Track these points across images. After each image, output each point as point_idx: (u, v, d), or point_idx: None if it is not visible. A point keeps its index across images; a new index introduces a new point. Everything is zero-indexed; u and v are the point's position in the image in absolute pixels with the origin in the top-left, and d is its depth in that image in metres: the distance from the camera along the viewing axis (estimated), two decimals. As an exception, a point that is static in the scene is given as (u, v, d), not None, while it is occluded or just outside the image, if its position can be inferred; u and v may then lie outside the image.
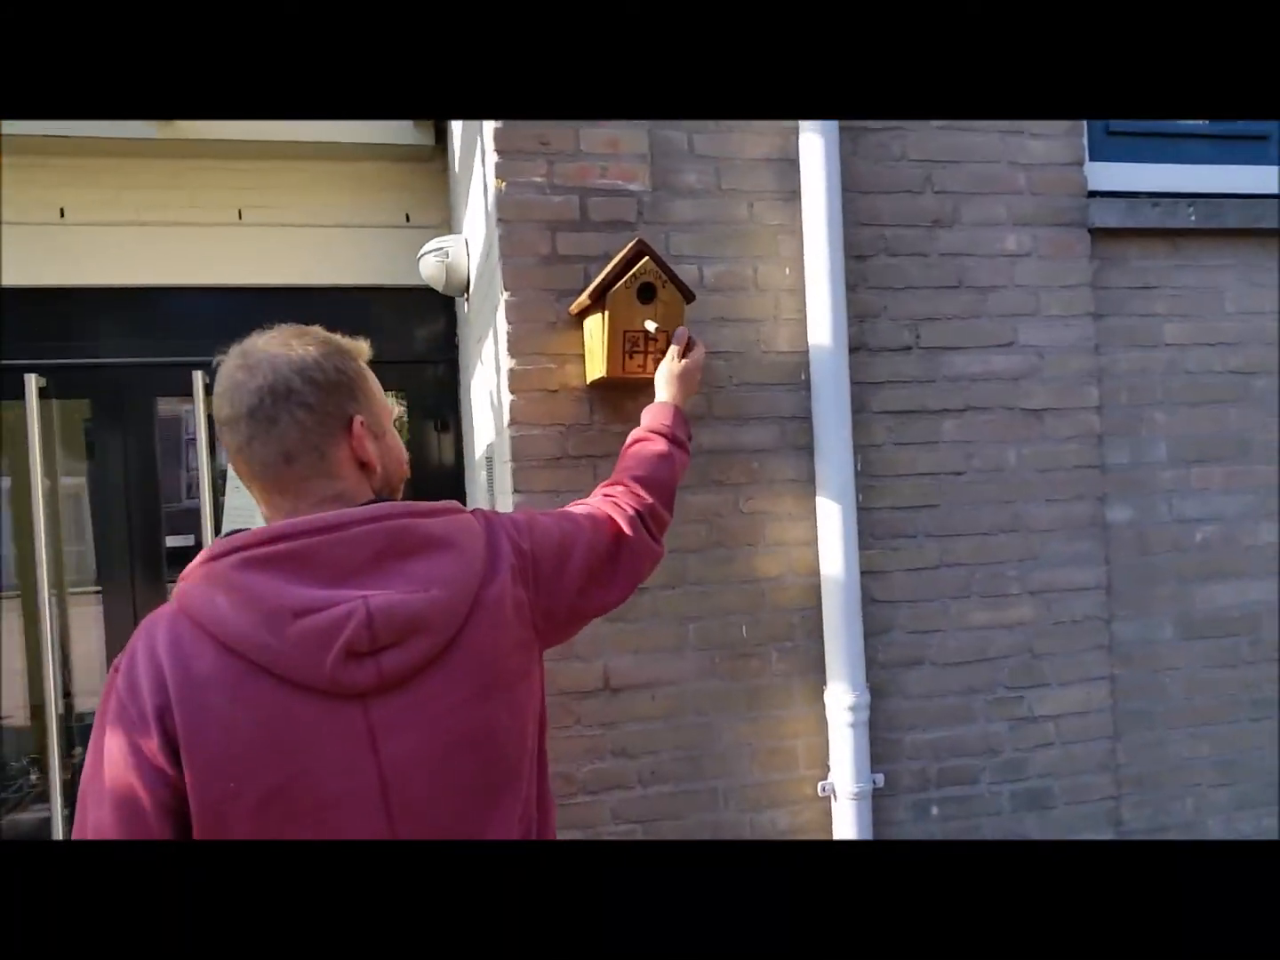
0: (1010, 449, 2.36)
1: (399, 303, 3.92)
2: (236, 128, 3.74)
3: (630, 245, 1.94)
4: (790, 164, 2.22)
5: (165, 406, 4.05)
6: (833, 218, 2.16)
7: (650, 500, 1.50)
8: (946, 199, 2.34)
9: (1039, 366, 2.37)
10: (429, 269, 3.04)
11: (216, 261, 3.89)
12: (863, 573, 2.26)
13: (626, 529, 1.41)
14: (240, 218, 3.95)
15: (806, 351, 2.22)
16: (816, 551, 2.22)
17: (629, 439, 1.71)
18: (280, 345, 1.13)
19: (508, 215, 2.12)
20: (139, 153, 3.77)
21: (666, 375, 1.84)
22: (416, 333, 4.00)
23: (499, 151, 2.11)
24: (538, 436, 2.12)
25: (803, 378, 2.23)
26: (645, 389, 2.10)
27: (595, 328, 2.01)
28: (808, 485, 2.23)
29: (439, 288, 3.07)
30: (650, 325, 1.93)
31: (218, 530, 3.98)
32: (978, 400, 2.34)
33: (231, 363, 1.13)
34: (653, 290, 1.95)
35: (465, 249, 2.94)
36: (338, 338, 1.20)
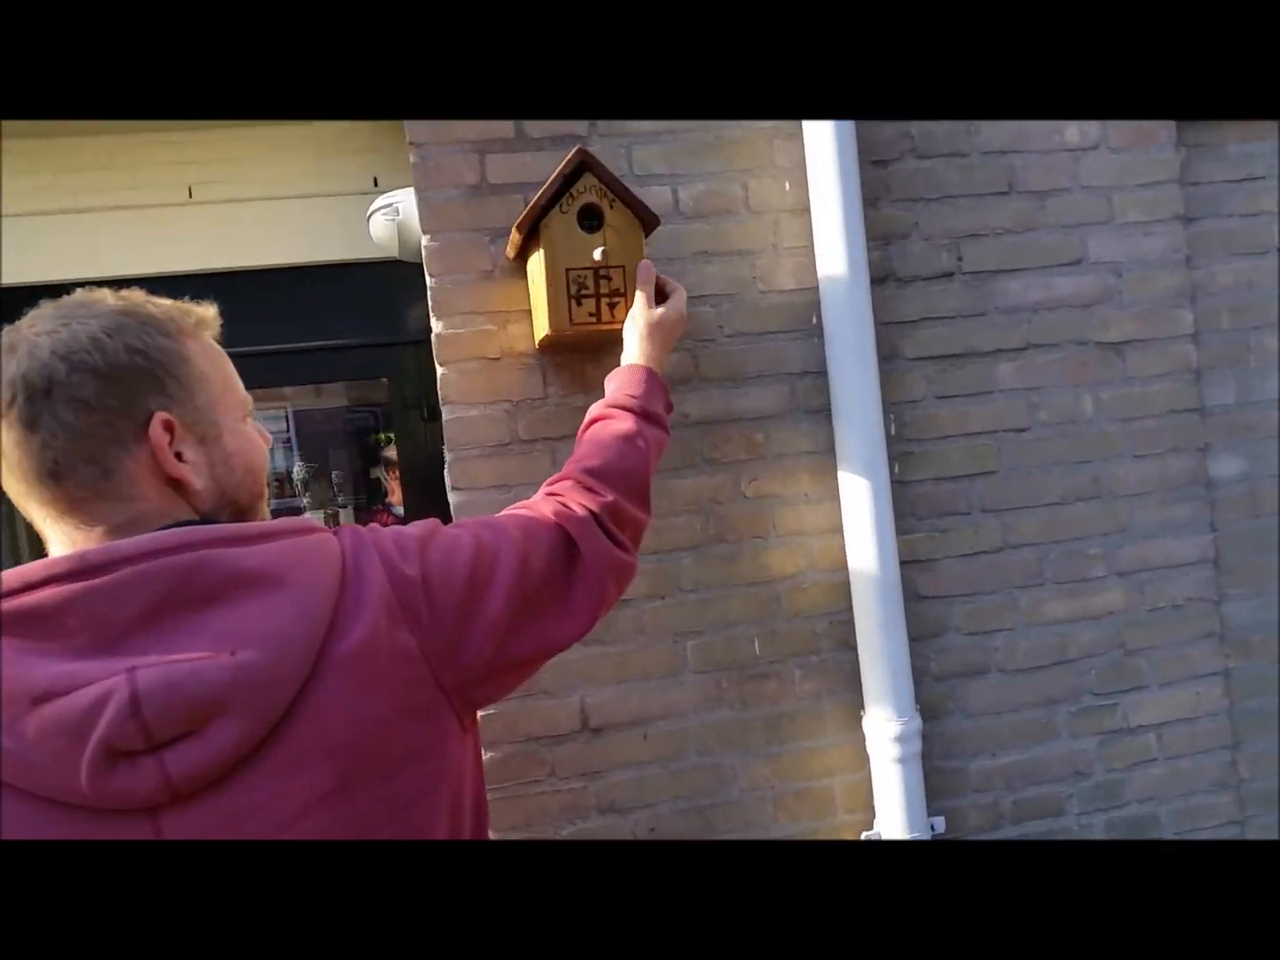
0: (1085, 394, 1.86)
1: (372, 278, 3.48)
2: (177, 93, 3.33)
3: (567, 158, 1.48)
4: (782, 50, 1.73)
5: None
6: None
7: (610, 496, 1.13)
8: (986, 82, 1.83)
9: (1116, 288, 1.87)
10: (378, 230, 2.59)
11: (165, 246, 3.49)
12: (903, 563, 1.78)
13: (576, 535, 1.06)
14: (190, 196, 3.55)
15: (817, 288, 1.74)
16: (843, 541, 1.75)
17: (586, 417, 1.30)
18: (53, 319, 0.84)
19: (420, 137, 1.66)
20: (72, 130, 3.37)
21: (635, 327, 1.41)
22: (395, 311, 3.58)
23: (406, 58, 1.65)
24: (477, 418, 1.67)
25: (814, 321, 1.76)
26: (613, 347, 1.66)
27: (535, 271, 1.56)
28: (827, 457, 1.76)
29: (394, 252, 2.63)
30: (597, 253, 1.47)
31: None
32: (1040, 335, 1.84)
33: None
34: (598, 213, 1.49)
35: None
36: (149, 304, 0.89)
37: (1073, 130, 1.85)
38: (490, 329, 1.67)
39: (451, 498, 1.67)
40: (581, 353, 1.69)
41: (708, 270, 1.74)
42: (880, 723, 1.70)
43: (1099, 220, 1.85)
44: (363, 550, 0.88)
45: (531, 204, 1.49)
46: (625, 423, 1.25)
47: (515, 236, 1.55)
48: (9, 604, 0.75)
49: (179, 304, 0.92)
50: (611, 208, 1.49)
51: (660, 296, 1.48)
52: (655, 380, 1.33)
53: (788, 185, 1.75)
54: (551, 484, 1.17)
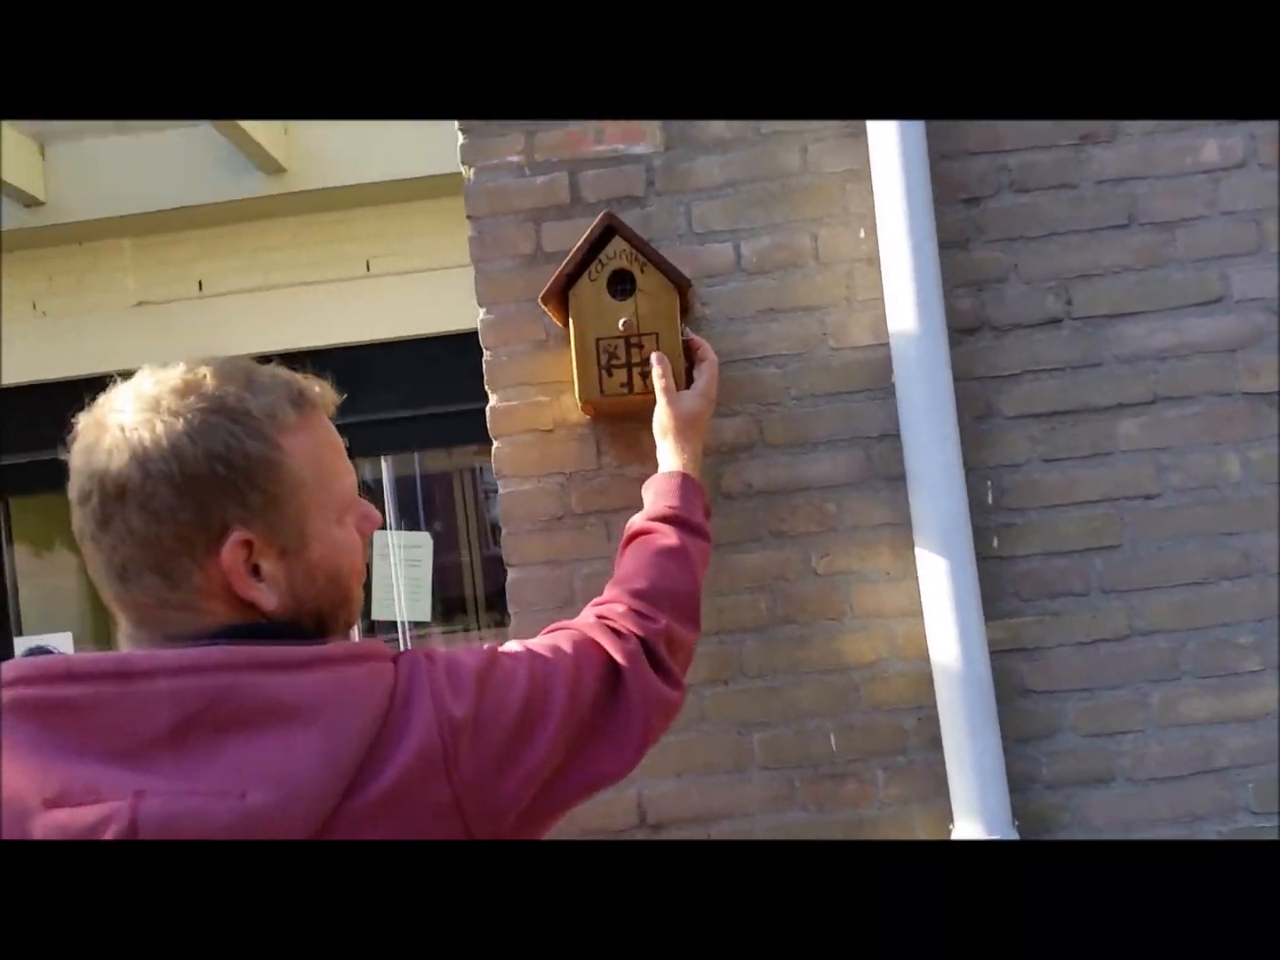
0: (1230, 454, 1.57)
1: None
2: (356, 173, 3.57)
3: (594, 224, 1.42)
4: (856, 88, 1.60)
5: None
6: (909, 149, 1.51)
7: (661, 622, 1.09)
8: (1100, 102, 1.61)
9: (1267, 329, 1.58)
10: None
11: (346, 317, 3.72)
12: (1005, 651, 1.56)
13: (625, 668, 1.01)
14: (368, 269, 3.78)
15: (897, 343, 1.58)
16: (928, 624, 1.56)
17: (625, 531, 1.25)
18: (142, 410, 0.80)
19: (478, 210, 1.65)
20: (266, 213, 3.68)
21: (660, 427, 1.38)
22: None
23: (464, 130, 1.66)
24: (531, 492, 1.63)
25: (892, 379, 1.59)
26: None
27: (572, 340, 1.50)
28: (910, 530, 1.58)
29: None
30: (620, 323, 1.40)
31: (364, 604, 3.79)
32: (1171, 387, 1.58)
33: (85, 416, 0.83)
34: (629, 279, 1.42)
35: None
36: (250, 391, 0.81)
37: (1210, 148, 1.59)
38: (543, 400, 1.63)
39: (509, 575, 1.63)
40: (638, 420, 1.60)
41: (773, 329, 1.62)
42: (968, 837, 1.49)
43: (1244, 251, 1.58)
44: (416, 687, 0.83)
45: (556, 273, 1.44)
46: (668, 537, 1.20)
47: (548, 304, 1.50)
48: (49, 690, 0.75)
49: (290, 385, 0.85)
50: (643, 272, 1.42)
51: (691, 362, 1.40)
52: (692, 486, 1.29)
53: (862, 233, 1.61)
54: (599, 604, 1.12)
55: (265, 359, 0.94)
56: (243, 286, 3.71)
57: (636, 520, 1.25)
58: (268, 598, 0.81)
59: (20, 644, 4.09)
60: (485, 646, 0.94)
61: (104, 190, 3.50)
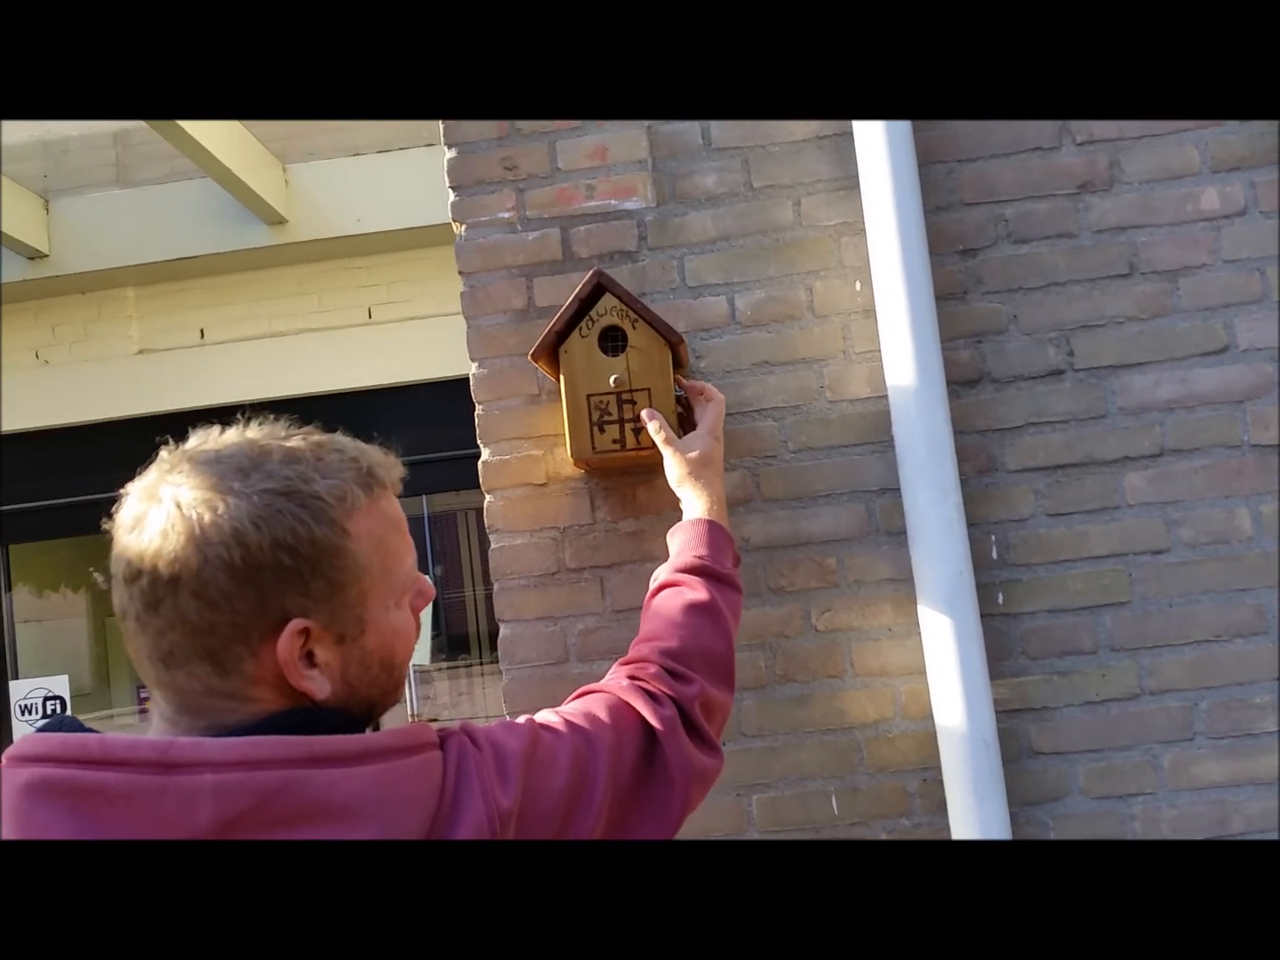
0: (1241, 507, 1.53)
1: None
2: (356, 223, 3.58)
3: (584, 280, 1.40)
4: (850, 139, 1.59)
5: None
6: (903, 201, 1.49)
7: (695, 685, 1.02)
8: (1098, 151, 1.59)
9: (1273, 379, 1.54)
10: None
11: (348, 363, 3.72)
12: (1011, 711, 1.52)
13: (661, 736, 0.95)
14: (370, 316, 3.78)
15: (896, 395, 1.55)
16: (932, 684, 1.52)
17: (652, 583, 1.19)
18: (205, 486, 0.74)
19: (470, 266, 1.64)
20: (267, 262, 3.70)
21: (675, 475, 1.33)
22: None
23: (454, 187, 1.65)
24: (523, 546, 1.59)
25: (893, 434, 1.56)
26: (661, 468, 1.54)
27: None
28: (912, 586, 1.54)
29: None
30: (611, 380, 1.37)
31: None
32: (1178, 439, 1.55)
33: (137, 486, 0.77)
34: (620, 336, 1.39)
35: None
36: (319, 472, 0.76)
37: (1210, 196, 1.57)
38: (536, 454, 1.60)
39: (501, 631, 1.60)
40: (632, 475, 1.58)
41: (769, 381, 1.59)
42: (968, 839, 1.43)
43: (1248, 299, 1.55)
44: (464, 778, 0.79)
45: (546, 330, 1.42)
46: (698, 591, 1.13)
47: (539, 360, 1.48)
48: (81, 773, 0.69)
49: (359, 465, 0.80)
50: (634, 328, 1.40)
51: (688, 409, 1.41)
52: (719, 533, 1.23)
53: (858, 285, 1.59)
54: (628, 664, 1.06)
55: (266, 406, 0.90)
56: (245, 334, 3.72)
57: (663, 572, 1.19)
58: (320, 686, 0.77)
59: (16, 687, 4.06)
60: (524, 721, 0.90)
61: (107, 242, 3.52)
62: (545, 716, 0.93)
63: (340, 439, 0.82)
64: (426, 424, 3.73)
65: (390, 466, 0.83)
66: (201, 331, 3.75)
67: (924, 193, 1.53)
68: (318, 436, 0.81)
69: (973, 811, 1.44)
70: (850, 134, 1.57)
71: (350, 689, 0.79)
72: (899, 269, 1.48)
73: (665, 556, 1.53)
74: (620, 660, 1.07)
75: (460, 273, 1.65)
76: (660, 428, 1.36)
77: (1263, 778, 1.50)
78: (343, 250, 3.64)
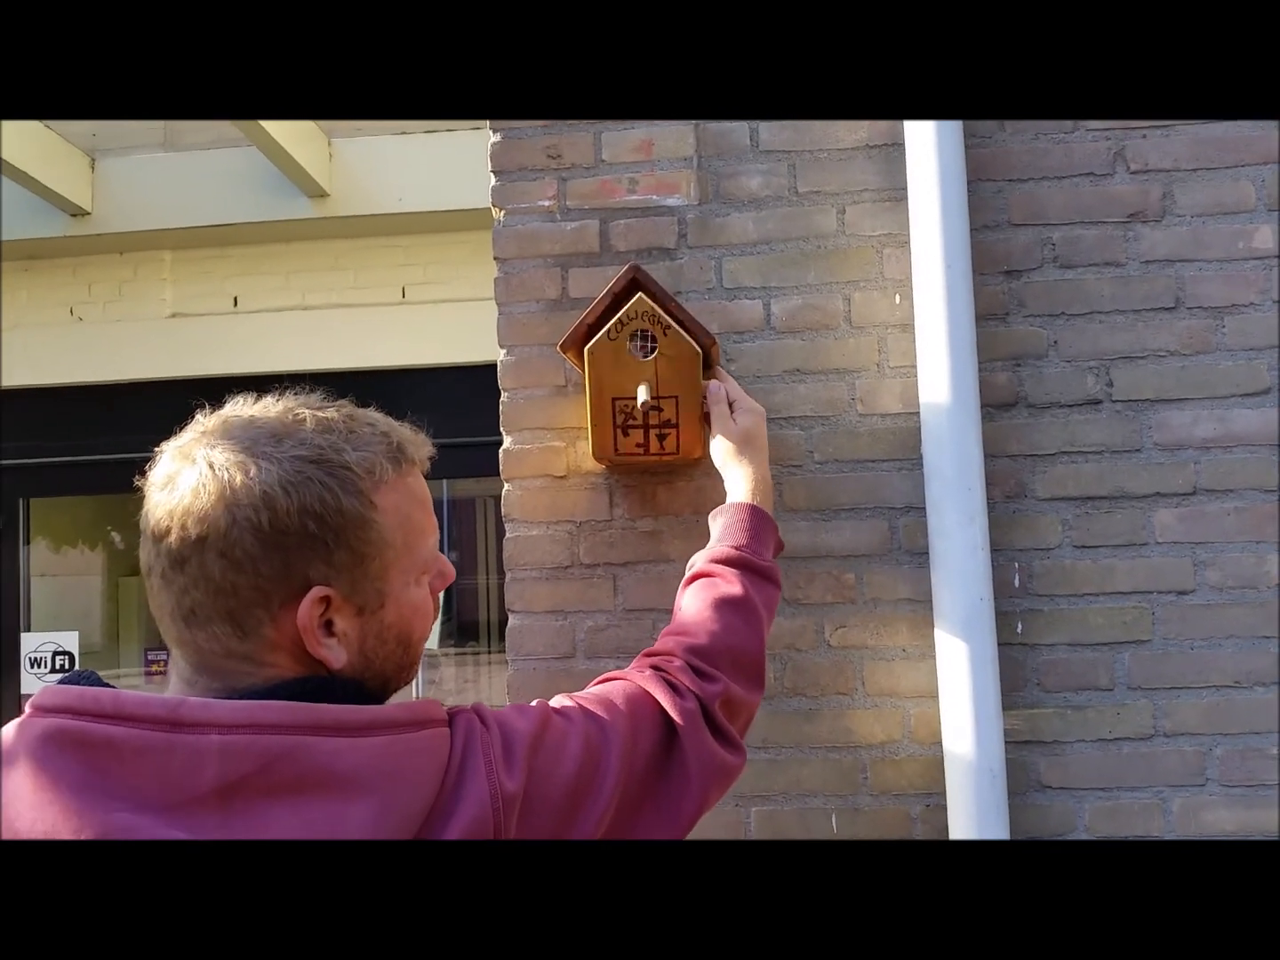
0: (1270, 554, 1.50)
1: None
2: (397, 202, 3.57)
3: (618, 276, 1.38)
4: (901, 150, 1.56)
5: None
6: (950, 217, 1.47)
7: (720, 683, 1.00)
8: (1151, 181, 1.56)
9: (1316, 424, 1.51)
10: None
11: (381, 342, 3.72)
12: (1023, 743, 1.49)
13: (681, 730, 0.94)
14: (404, 295, 3.78)
15: (927, 413, 1.53)
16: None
17: (688, 569, 1.17)
18: (236, 449, 0.76)
19: (506, 252, 1.63)
20: (306, 235, 3.70)
21: (723, 453, 1.30)
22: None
23: (496, 172, 1.64)
24: (538, 538, 1.58)
25: (922, 452, 1.54)
26: (687, 470, 1.53)
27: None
28: (930, 608, 1.52)
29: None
30: (642, 392, 1.35)
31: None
32: (1213, 479, 1.52)
33: (172, 445, 0.80)
34: (650, 340, 1.37)
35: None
36: (350, 443, 0.78)
37: (1264, 234, 1.54)
38: (558, 445, 1.59)
39: (509, 621, 1.58)
40: (652, 474, 1.56)
41: (800, 390, 1.57)
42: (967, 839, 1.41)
43: (1295, 341, 1.52)
44: (470, 757, 0.78)
45: (577, 322, 1.40)
46: (732, 585, 1.10)
47: (567, 353, 1.46)
48: (94, 725, 0.70)
49: (389, 439, 0.81)
50: (665, 334, 1.37)
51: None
52: (761, 520, 1.20)
53: (898, 299, 1.56)
54: (653, 655, 1.04)
55: (294, 378, 0.90)
56: (278, 305, 3.73)
57: (699, 559, 1.17)
58: (336, 655, 0.78)
59: (27, 640, 4.09)
60: (537, 704, 0.89)
61: (148, 203, 3.53)
62: (560, 701, 0.92)
63: (373, 414, 0.83)
64: (452, 408, 3.72)
65: (420, 444, 0.84)
66: (235, 299, 3.76)
67: (971, 210, 1.51)
68: (351, 409, 0.82)
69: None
70: (900, 145, 1.55)
71: (366, 661, 0.80)
72: (941, 285, 1.45)
73: (680, 559, 1.52)
74: (645, 651, 1.06)
75: (496, 258, 1.63)
76: (718, 401, 1.33)
77: (1272, 830, 1.46)
78: (381, 228, 3.64)
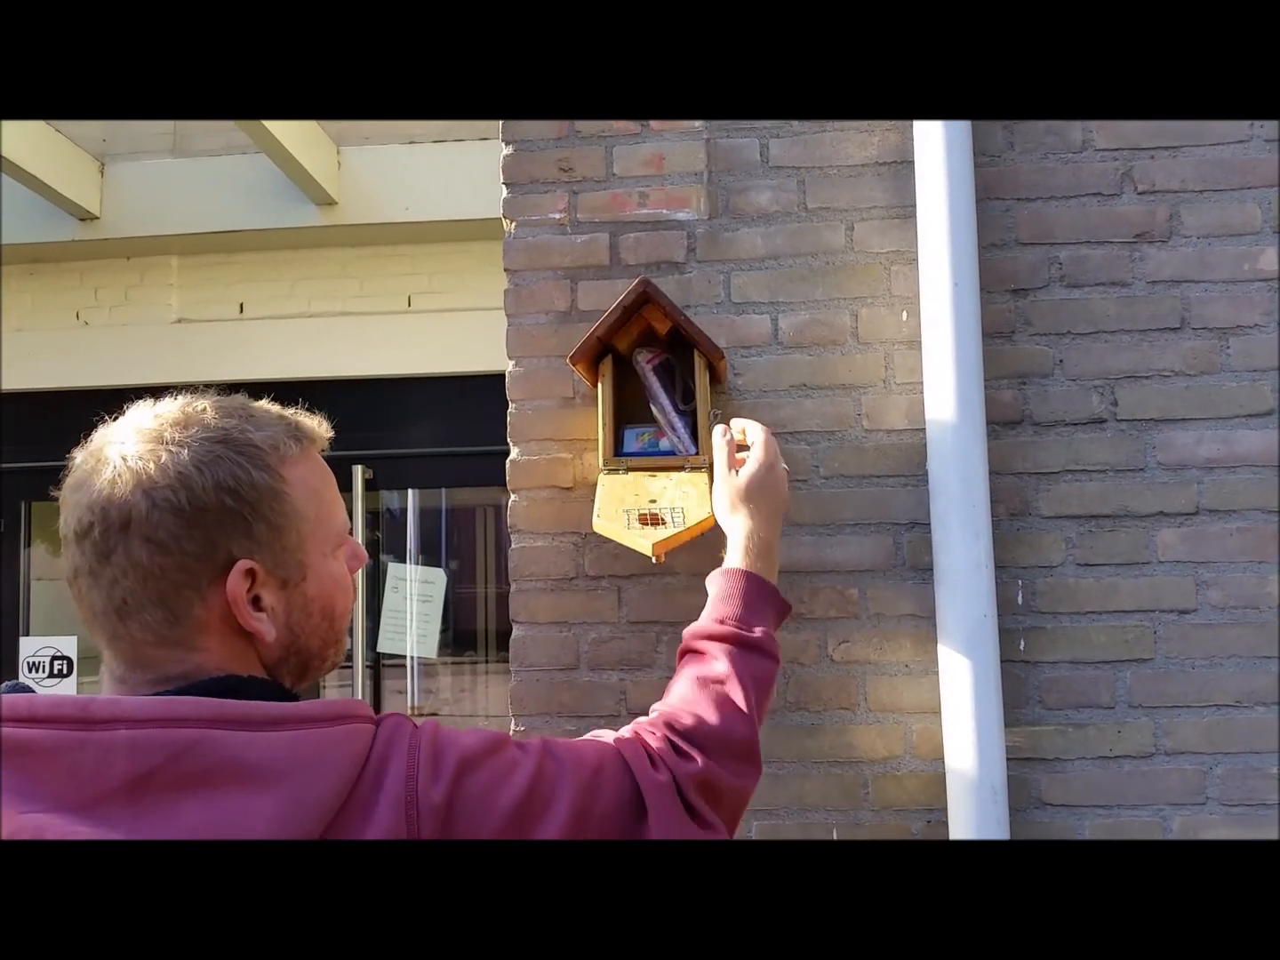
0: (1272, 575, 1.51)
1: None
2: (405, 210, 3.59)
3: (629, 289, 1.39)
4: (910, 168, 1.58)
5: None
6: (958, 235, 1.48)
7: (698, 764, 0.94)
8: (1158, 201, 1.57)
9: (1320, 446, 1.52)
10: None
11: (385, 350, 3.73)
12: (1024, 759, 1.50)
13: (651, 800, 0.89)
14: (409, 304, 3.79)
15: (933, 430, 1.54)
16: (945, 725, 1.50)
17: (683, 639, 1.12)
18: (145, 441, 0.80)
19: (516, 264, 1.64)
20: (313, 243, 3.71)
21: (720, 504, 1.22)
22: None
23: (507, 184, 1.65)
24: (543, 549, 1.59)
25: (927, 468, 1.54)
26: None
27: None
28: (934, 624, 1.52)
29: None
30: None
31: (372, 633, 3.76)
32: (1216, 499, 1.53)
33: (82, 452, 0.83)
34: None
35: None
36: (251, 424, 0.82)
37: (1269, 256, 1.55)
38: (565, 457, 1.59)
39: (513, 632, 1.59)
40: (660, 488, 1.57)
41: (806, 405, 1.58)
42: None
43: (1300, 364, 1.53)
44: (393, 757, 0.78)
45: (588, 335, 1.41)
46: (718, 663, 1.05)
47: (578, 368, 1.47)
48: (16, 730, 0.72)
49: (287, 420, 0.86)
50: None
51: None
52: (754, 588, 1.12)
53: (904, 315, 1.57)
54: (639, 724, 1.00)
55: (299, 385, 0.92)
56: (283, 313, 3.73)
57: (690, 633, 1.11)
58: (267, 629, 0.80)
59: (26, 644, 4.08)
60: (498, 732, 0.87)
61: (156, 209, 3.55)
62: (528, 739, 0.90)
63: (267, 403, 0.88)
64: (454, 417, 3.74)
65: (317, 426, 0.89)
66: (241, 306, 3.77)
67: (980, 228, 1.52)
68: (244, 399, 0.87)
69: (976, 858, 1.41)
70: (909, 162, 1.56)
71: (293, 635, 0.83)
72: (948, 303, 1.46)
73: (685, 571, 1.54)
74: (637, 720, 1.02)
75: (506, 270, 1.64)
76: (726, 445, 1.25)
77: (1275, 851, 1.46)
78: (388, 237, 3.65)
